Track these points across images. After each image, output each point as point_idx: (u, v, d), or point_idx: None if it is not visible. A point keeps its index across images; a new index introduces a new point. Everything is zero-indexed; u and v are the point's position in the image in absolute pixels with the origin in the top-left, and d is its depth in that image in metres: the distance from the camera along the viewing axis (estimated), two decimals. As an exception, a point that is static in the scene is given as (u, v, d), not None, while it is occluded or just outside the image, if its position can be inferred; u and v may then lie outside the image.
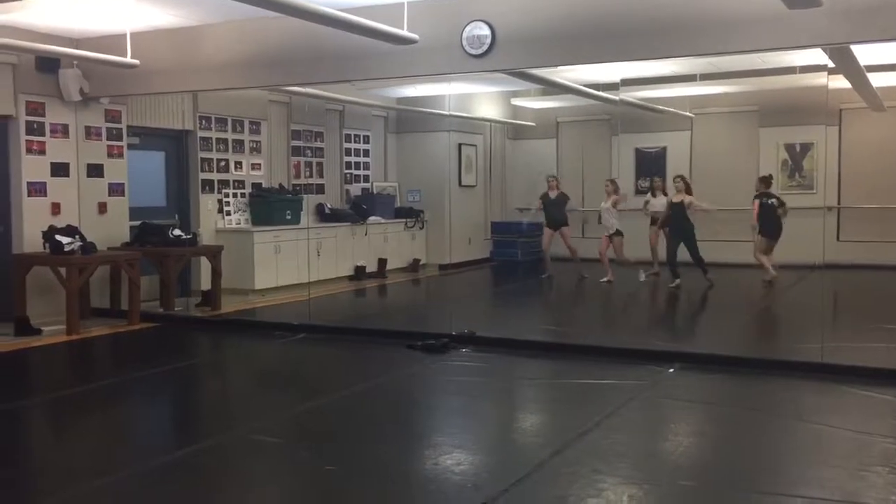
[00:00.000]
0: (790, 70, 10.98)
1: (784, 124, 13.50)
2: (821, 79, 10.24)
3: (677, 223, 11.43)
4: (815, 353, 6.71)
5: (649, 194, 12.65)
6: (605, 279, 11.95)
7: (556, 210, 12.63)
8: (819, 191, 13.23)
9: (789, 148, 13.74)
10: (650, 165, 14.13)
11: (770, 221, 11.47)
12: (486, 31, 7.22)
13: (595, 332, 8.99)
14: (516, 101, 14.64)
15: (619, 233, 12.00)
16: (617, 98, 11.49)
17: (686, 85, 12.13)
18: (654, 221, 12.20)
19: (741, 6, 6.41)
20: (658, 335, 8.80)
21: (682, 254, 11.43)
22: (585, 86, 11.27)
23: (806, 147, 13.60)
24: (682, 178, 11.71)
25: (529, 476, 4.29)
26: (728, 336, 8.52)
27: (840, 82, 10.28)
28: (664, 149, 14.46)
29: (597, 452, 4.71)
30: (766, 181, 11.65)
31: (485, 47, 7.25)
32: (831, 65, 8.97)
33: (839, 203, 13.27)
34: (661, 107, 13.26)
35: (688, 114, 13.89)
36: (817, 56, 9.29)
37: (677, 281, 11.30)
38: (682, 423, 5.51)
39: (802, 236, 11.97)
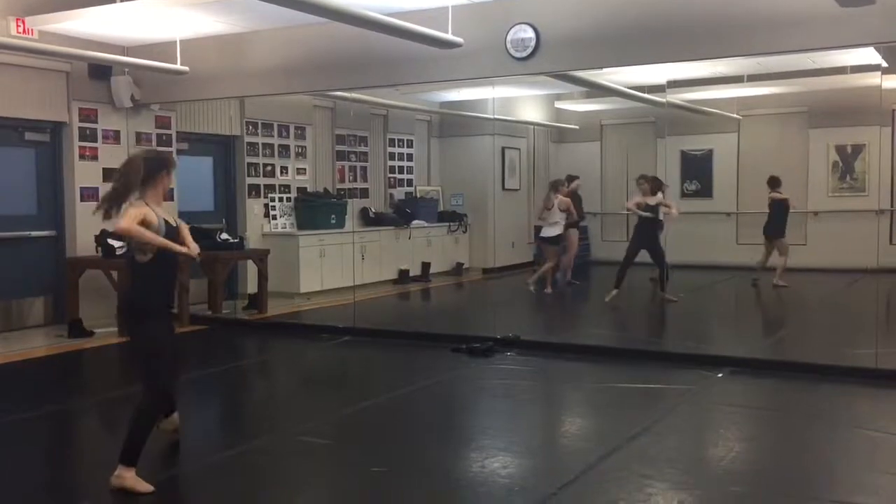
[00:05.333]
0: (841, 70, 10.78)
1: (835, 125, 13.23)
2: (873, 79, 10.02)
3: (649, 228, 10.31)
4: (870, 358, 6.57)
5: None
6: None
7: None
8: (871, 193, 12.93)
9: (840, 150, 13.46)
10: (696, 168, 13.95)
11: (771, 219, 11.52)
12: (530, 33, 7.21)
13: (641, 336, 8.90)
14: (560, 105, 14.55)
15: None
16: (663, 100, 11.36)
17: (733, 86, 11.96)
18: None
19: (792, 5, 6.31)
20: (705, 339, 8.68)
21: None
22: (630, 88, 11.17)
23: (857, 148, 13.31)
24: (646, 177, 10.55)
25: (577, 480, 4.26)
26: (779, 340, 8.38)
27: (893, 82, 10.06)
28: (710, 151, 14.28)
29: (646, 457, 4.66)
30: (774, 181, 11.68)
31: (529, 50, 7.24)
32: (885, 64, 8.81)
33: (893, 206, 12.95)
34: (707, 109, 13.08)
35: (735, 115, 13.69)
36: (869, 55, 9.13)
37: (615, 292, 10.36)
38: (733, 429, 5.42)
39: (854, 240, 11.76)
